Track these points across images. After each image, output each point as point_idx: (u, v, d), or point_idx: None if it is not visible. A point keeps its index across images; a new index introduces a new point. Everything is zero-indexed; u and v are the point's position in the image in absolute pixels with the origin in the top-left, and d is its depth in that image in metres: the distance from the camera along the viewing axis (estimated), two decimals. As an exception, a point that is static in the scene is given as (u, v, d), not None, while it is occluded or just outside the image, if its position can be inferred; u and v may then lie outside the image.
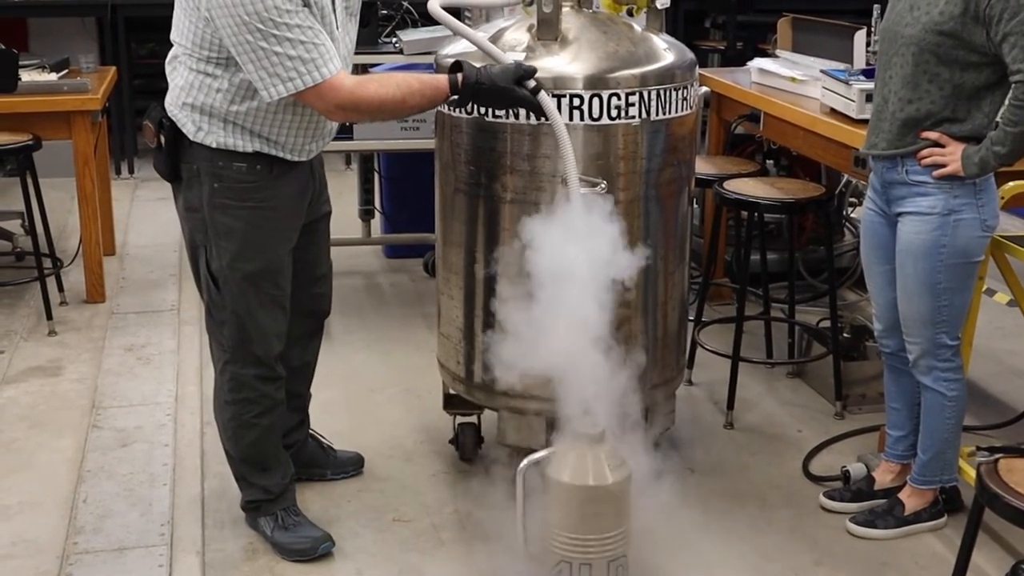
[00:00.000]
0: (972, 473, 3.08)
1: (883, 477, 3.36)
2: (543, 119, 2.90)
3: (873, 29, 4.24)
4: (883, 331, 3.26)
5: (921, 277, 3.01)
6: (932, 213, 2.96)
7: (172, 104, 2.86)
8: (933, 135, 2.94)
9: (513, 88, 2.80)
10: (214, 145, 2.83)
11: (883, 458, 3.40)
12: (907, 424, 3.31)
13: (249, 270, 2.92)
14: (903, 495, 3.25)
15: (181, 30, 2.80)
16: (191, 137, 2.84)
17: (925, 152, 2.95)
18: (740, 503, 3.40)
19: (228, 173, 2.85)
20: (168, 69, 2.89)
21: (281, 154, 2.89)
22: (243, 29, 2.63)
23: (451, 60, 2.99)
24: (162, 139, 2.88)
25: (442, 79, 2.84)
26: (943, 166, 2.93)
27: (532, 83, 2.81)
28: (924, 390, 3.15)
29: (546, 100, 2.82)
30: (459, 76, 2.81)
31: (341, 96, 2.73)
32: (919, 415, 3.22)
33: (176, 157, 2.88)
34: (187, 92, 2.82)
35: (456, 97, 2.85)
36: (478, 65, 2.84)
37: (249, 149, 2.84)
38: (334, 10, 2.83)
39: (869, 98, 3.48)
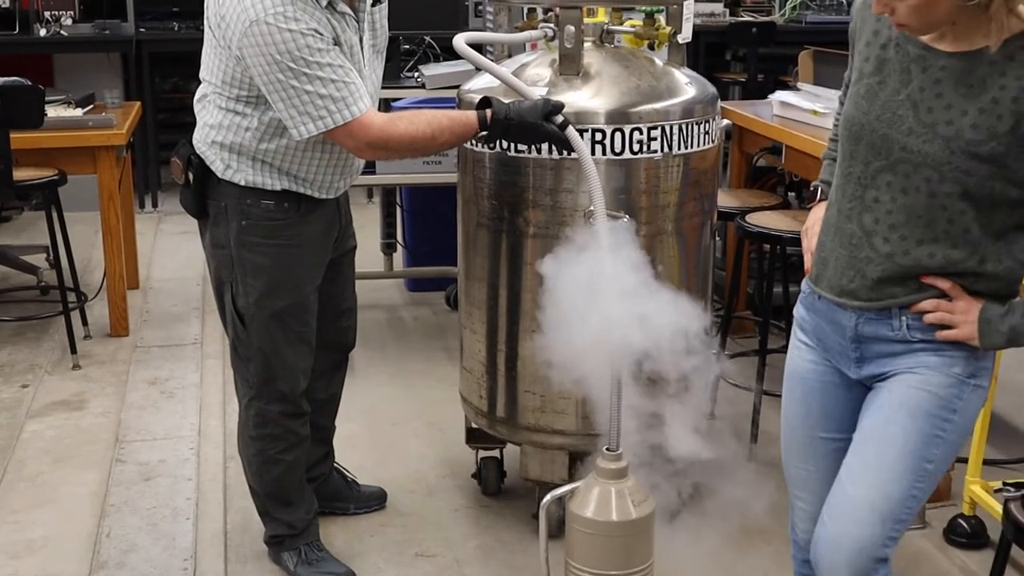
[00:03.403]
0: (999, 508, 3.05)
1: None
2: (566, 153, 2.91)
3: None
4: (809, 539, 2.28)
5: (911, 443, 2.09)
6: (949, 374, 2.10)
7: (201, 142, 2.88)
8: (943, 284, 2.05)
9: (542, 124, 2.79)
10: (242, 183, 2.85)
11: None
12: None
13: (276, 307, 2.93)
14: None
15: (211, 68, 2.82)
16: (219, 175, 2.86)
17: (928, 305, 2.08)
18: (765, 539, 3.38)
19: (256, 211, 2.87)
20: (197, 107, 2.91)
21: (309, 192, 2.90)
22: (274, 68, 2.65)
23: (475, 95, 3.00)
24: (190, 176, 2.89)
25: (471, 115, 2.84)
26: (951, 326, 2.08)
27: (560, 118, 2.81)
28: None
29: (575, 136, 2.81)
30: (488, 112, 2.82)
31: (371, 134, 2.74)
32: None
33: (204, 194, 2.90)
34: (217, 131, 2.84)
35: (485, 133, 2.85)
36: (506, 101, 2.85)
37: (277, 187, 2.86)
38: (362, 48, 2.85)
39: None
